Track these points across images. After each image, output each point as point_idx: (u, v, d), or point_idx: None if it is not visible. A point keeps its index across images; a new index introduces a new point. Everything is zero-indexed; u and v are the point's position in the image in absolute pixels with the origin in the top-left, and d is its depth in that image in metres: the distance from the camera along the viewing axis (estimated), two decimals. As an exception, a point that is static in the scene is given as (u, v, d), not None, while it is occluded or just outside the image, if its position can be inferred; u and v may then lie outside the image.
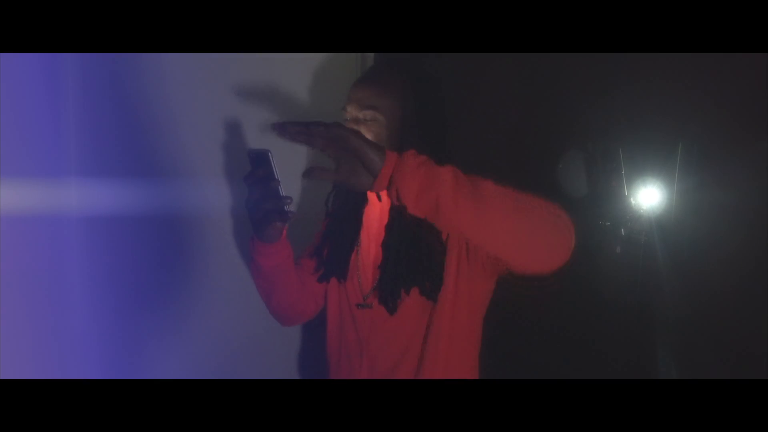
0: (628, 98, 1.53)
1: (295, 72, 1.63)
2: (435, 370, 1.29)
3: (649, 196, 1.48)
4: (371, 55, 1.81)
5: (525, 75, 1.78)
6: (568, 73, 1.64)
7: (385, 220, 1.30)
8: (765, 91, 1.26)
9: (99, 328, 1.33)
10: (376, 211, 1.35)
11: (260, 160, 1.18)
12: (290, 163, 1.55)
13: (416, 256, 1.25)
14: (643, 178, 1.50)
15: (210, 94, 1.47)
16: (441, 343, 1.28)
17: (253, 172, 1.18)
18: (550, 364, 1.67)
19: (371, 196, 1.34)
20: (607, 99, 1.57)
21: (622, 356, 1.56)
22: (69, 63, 1.26)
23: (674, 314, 1.46)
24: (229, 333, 1.54)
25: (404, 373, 1.31)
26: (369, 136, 1.23)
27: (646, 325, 1.51)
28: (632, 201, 1.52)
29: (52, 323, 1.20)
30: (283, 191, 1.18)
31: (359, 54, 1.80)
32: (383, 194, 1.30)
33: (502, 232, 1.05)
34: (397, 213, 1.26)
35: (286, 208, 1.18)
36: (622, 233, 1.56)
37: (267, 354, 1.64)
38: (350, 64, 1.78)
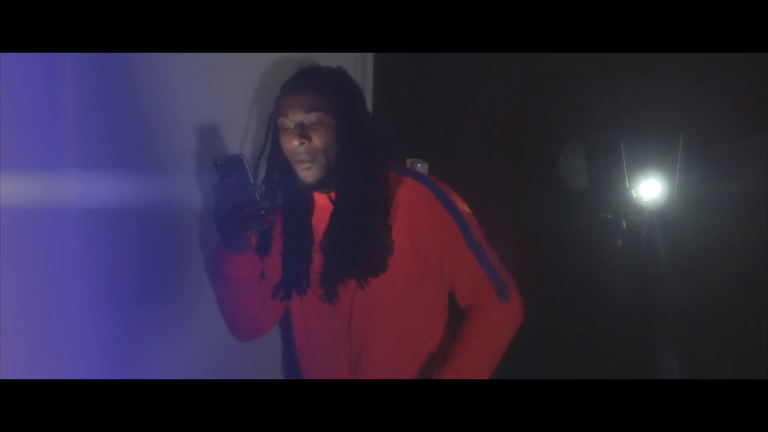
0: (629, 90, 1.52)
1: (292, 70, 1.62)
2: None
3: (650, 189, 1.47)
4: (371, 55, 1.80)
5: (525, 67, 1.78)
6: (569, 65, 1.63)
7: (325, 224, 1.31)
8: (766, 83, 1.25)
9: (98, 322, 1.33)
10: (328, 213, 1.33)
11: (232, 166, 1.15)
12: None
13: (358, 241, 1.27)
14: (644, 170, 1.49)
15: (209, 89, 1.47)
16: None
17: (224, 180, 1.16)
18: (550, 358, 1.67)
19: (319, 199, 1.34)
20: (609, 91, 1.56)
21: (623, 349, 1.56)
22: (67, 58, 1.26)
23: (675, 307, 1.46)
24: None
25: (391, 369, 1.34)
26: (320, 141, 1.23)
27: (647, 318, 1.51)
28: (633, 193, 1.51)
29: (50, 317, 1.20)
30: (260, 196, 1.17)
31: (359, 54, 1.79)
32: (334, 195, 1.31)
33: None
34: (340, 208, 1.29)
35: (263, 212, 1.16)
36: (624, 226, 1.56)
37: (268, 352, 1.64)
38: (351, 64, 1.77)
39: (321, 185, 1.27)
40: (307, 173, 1.25)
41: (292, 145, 1.24)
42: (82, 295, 1.29)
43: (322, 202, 1.34)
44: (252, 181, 1.16)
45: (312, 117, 1.23)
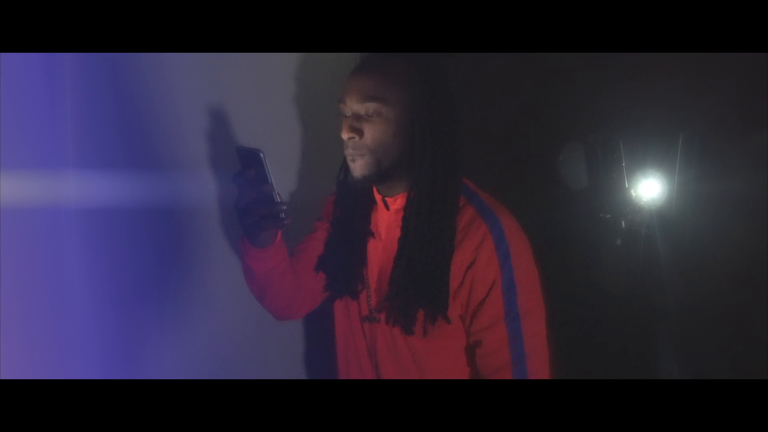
0: (628, 90, 1.52)
1: (293, 69, 1.62)
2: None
3: (649, 188, 1.48)
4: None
5: (525, 67, 1.78)
6: (568, 65, 1.63)
7: (397, 232, 1.16)
8: (766, 83, 1.25)
9: (98, 321, 1.33)
10: (384, 217, 1.22)
11: (251, 159, 1.08)
12: (282, 160, 1.54)
13: (427, 273, 1.11)
14: (643, 170, 1.49)
15: (209, 88, 1.46)
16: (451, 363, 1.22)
17: (244, 171, 1.07)
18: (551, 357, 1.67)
19: (378, 197, 1.22)
20: (608, 91, 1.57)
21: (623, 349, 1.57)
22: (67, 57, 1.26)
23: (675, 306, 1.46)
24: (232, 329, 1.54)
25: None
26: (372, 136, 1.09)
27: (647, 318, 1.51)
28: (633, 193, 1.51)
29: (50, 316, 1.20)
30: (278, 196, 1.08)
31: (359, 54, 1.78)
32: (390, 202, 1.19)
33: None
34: (412, 225, 1.13)
35: (282, 214, 1.07)
36: (623, 225, 1.56)
37: (270, 352, 1.64)
38: (350, 64, 1.77)
39: (370, 183, 1.15)
40: (354, 165, 1.13)
41: (343, 136, 1.12)
42: (82, 294, 1.29)
43: (379, 200, 1.21)
44: (269, 180, 1.07)
45: (368, 107, 1.08)
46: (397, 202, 1.18)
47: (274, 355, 1.65)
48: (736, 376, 1.27)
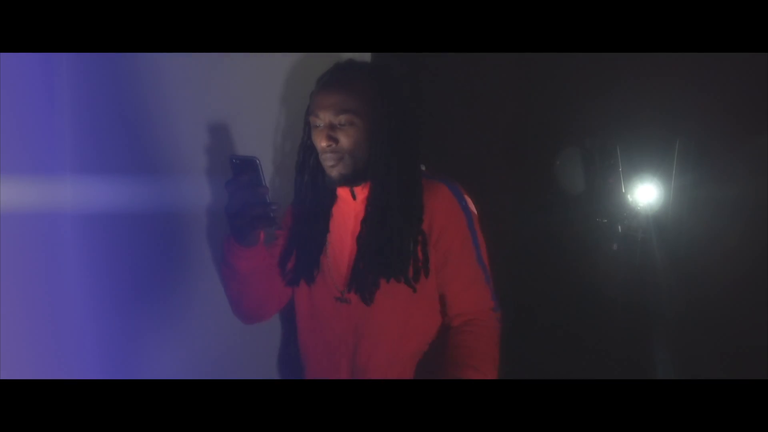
0: (625, 95, 1.53)
1: (289, 71, 1.62)
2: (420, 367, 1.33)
3: (646, 193, 1.48)
4: (368, 55, 1.80)
5: (522, 72, 1.79)
6: (565, 70, 1.64)
7: (361, 215, 1.31)
8: (762, 88, 1.26)
9: (96, 325, 1.33)
10: (350, 208, 1.35)
11: (245, 166, 1.17)
12: (278, 162, 1.55)
13: (395, 246, 1.27)
14: (640, 175, 1.50)
15: (206, 91, 1.47)
16: (424, 334, 1.34)
17: (237, 178, 1.18)
18: (546, 361, 1.68)
19: (342, 194, 1.35)
20: (605, 96, 1.57)
21: (619, 352, 1.57)
22: (64, 60, 1.26)
23: (671, 311, 1.47)
24: (228, 331, 1.54)
25: (387, 367, 1.33)
26: (348, 141, 1.24)
27: (643, 322, 1.52)
28: (629, 198, 1.52)
29: (48, 320, 1.20)
30: (269, 197, 1.18)
31: (357, 55, 1.79)
32: (358, 191, 1.32)
33: None
34: (374, 207, 1.29)
35: (272, 214, 1.18)
36: (619, 230, 1.57)
37: (267, 353, 1.64)
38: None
39: (346, 181, 1.29)
40: (333, 170, 1.27)
41: (320, 145, 1.26)
42: (81, 296, 1.29)
43: (344, 194, 1.35)
44: (264, 184, 1.16)
45: (341, 118, 1.24)
46: (365, 191, 1.32)
47: (272, 355, 1.65)
48: (731, 377, 1.28)
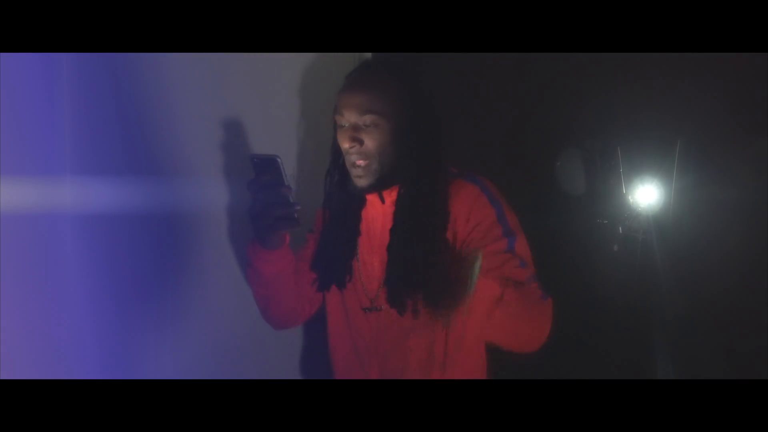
0: (626, 96, 1.53)
1: (293, 71, 1.62)
2: (448, 374, 1.28)
3: (646, 195, 1.48)
4: (368, 55, 1.80)
5: (523, 73, 1.79)
6: (566, 71, 1.64)
7: (389, 224, 1.27)
8: (763, 90, 1.26)
9: (96, 325, 1.33)
10: (378, 212, 1.31)
11: (267, 166, 1.13)
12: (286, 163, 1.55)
13: (421, 258, 1.21)
14: (641, 176, 1.50)
15: (207, 93, 1.47)
16: (455, 346, 1.27)
17: (259, 178, 1.14)
18: (547, 362, 1.67)
19: (371, 198, 1.30)
20: (606, 97, 1.57)
21: (620, 354, 1.57)
22: (64, 61, 1.26)
23: (671, 312, 1.47)
24: (228, 332, 1.54)
25: (417, 377, 1.28)
26: (372, 144, 1.20)
27: (644, 323, 1.52)
28: (630, 199, 1.52)
29: (48, 321, 1.20)
30: (293, 197, 1.15)
31: (358, 54, 1.79)
32: (386, 194, 1.27)
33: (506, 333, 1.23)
34: (402, 216, 1.24)
35: (296, 215, 1.15)
36: (620, 231, 1.57)
37: (267, 353, 1.64)
38: (349, 64, 1.77)
39: (374, 189, 1.25)
40: (359, 180, 1.23)
41: (344, 146, 1.23)
42: (81, 296, 1.29)
43: (372, 198, 1.30)
44: (286, 183, 1.14)
45: (366, 119, 1.20)
46: (392, 194, 1.27)
47: (273, 355, 1.65)
48: (731, 377, 1.28)
